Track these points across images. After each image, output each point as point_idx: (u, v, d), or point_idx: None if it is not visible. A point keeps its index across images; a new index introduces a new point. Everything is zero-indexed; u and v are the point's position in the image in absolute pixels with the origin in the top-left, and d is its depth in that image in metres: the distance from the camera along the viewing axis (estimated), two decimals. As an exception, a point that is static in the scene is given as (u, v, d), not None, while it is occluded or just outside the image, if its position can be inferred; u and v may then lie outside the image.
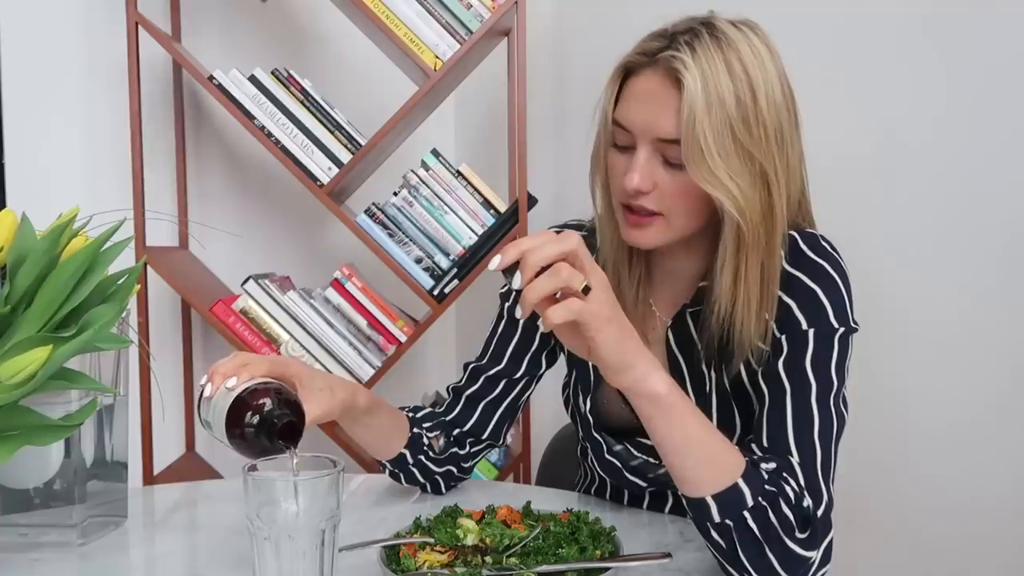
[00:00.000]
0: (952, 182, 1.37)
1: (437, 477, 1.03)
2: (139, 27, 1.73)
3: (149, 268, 1.78)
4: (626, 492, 1.04)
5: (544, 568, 0.75)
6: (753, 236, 0.80)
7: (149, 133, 1.91)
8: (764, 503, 0.72)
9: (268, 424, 0.70)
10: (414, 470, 1.01)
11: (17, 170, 1.90)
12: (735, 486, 0.72)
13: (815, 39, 1.48)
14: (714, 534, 0.73)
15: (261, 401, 0.72)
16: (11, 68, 1.88)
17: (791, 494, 0.74)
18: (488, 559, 0.77)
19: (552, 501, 1.04)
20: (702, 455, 0.73)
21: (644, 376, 0.71)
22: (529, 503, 0.90)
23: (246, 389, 0.73)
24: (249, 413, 0.71)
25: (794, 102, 0.84)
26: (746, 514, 0.72)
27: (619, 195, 0.86)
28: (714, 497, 0.72)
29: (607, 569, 0.74)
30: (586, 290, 0.67)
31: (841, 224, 1.55)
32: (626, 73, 0.85)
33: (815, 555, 0.73)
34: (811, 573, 0.74)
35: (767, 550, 0.72)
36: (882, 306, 1.46)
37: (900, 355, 1.44)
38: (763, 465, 0.75)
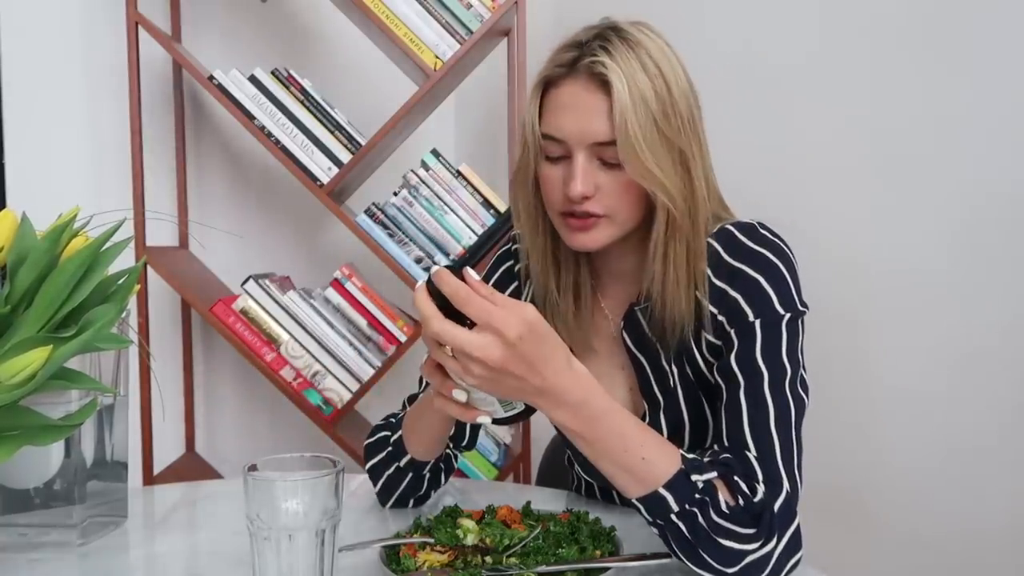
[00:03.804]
0: (935, 180, 1.37)
1: (432, 491, 1.01)
2: (139, 27, 1.73)
3: (149, 268, 1.78)
4: (615, 492, 1.03)
5: (544, 568, 0.75)
6: (681, 219, 0.84)
7: (149, 133, 1.91)
8: (693, 509, 0.73)
9: None
10: (427, 475, 0.98)
11: (17, 170, 1.90)
12: (656, 493, 0.73)
13: (805, 39, 1.48)
14: (652, 528, 0.76)
15: None
16: (11, 68, 1.88)
17: (730, 499, 0.75)
18: (488, 559, 0.78)
19: (552, 501, 1.04)
20: (616, 470, 0.74)
21: (549, 411, 0.73)
22: (529, 503, 0.90)
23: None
24: None
25: (695, 87, 0.87)
26: (673, 517, 0.73)
27: (558, 205, 0.87)
28: (639, 500, 0.74)
29: (607, 569, 0.75)
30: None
31: (833, 222, 1.55)
32: (546, 86, 0.86)
33: (765, 549, 0.73)
34: (773, 562, 0.74)
35: (699, 550, 0.73)
36: (877, 304, 1.46)
37: (894, 354, 1.44)
38: (695, 476, 0.74)
